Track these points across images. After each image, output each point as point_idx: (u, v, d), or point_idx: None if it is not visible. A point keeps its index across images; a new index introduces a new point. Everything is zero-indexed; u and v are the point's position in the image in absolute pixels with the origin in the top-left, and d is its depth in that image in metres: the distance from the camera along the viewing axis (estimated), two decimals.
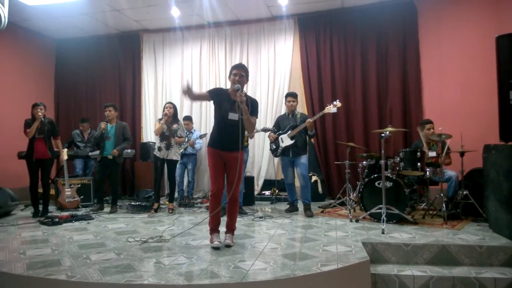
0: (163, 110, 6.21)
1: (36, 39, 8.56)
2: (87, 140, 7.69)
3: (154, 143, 6.85)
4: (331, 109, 5.74)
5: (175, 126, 6.19)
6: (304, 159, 5.88)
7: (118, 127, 6.47)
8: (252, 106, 4.09)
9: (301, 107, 7.55)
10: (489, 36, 4.59)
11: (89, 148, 7.49)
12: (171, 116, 6.17)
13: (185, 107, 8.25)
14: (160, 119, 6.23)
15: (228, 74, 4.27)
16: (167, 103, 6.34)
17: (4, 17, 6.19)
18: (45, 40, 8.80)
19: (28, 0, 6.66)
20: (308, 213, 5.71)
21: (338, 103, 5.73)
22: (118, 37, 8.69)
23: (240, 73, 4.10)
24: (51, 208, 6.50)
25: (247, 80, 4.22)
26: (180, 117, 7.57)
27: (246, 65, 4.29)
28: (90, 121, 8.12)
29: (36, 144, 5.90)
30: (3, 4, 6.22)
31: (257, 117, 4.25)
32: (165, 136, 6.12)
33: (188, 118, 7.59)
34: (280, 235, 4.57)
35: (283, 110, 7.40)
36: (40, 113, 5.83)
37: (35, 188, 5.99)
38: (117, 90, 8.76)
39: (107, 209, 6.45)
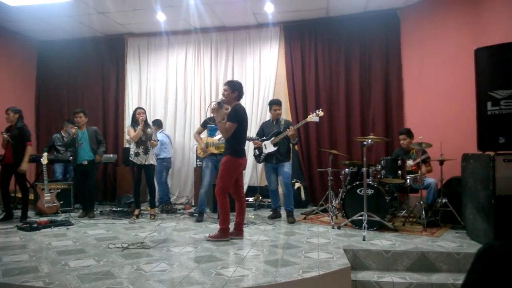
0: (134, 116, 6.18)
1: (18, 40, 8.41)
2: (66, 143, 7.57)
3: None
4: (313, 118, 5.79)
5: (149, 130, 6.16)
6: (287, 167, 5.90)
7: (90, 132, 6.43)
8: (230, 113, 4.63)
9: (285, 114, 7.60)
10: (469, 47, 4.69)
11: (70, 153, 7.39)
12: (144, 121, 6.14)
13: (169, 111, 8.24)
14: (133, 126, 6.17)
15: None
16: (137, 108, 6.32)
17: None
18: (27, 42, 8.65)
19: (11, 1, 6.57)
20: (291, 219, 5.74)
21: (320, 112, 5.79)
22: (103, 40, 8.61)
23: (224, 87, 4.76)
24: (30, 213, 6.40)
25: (233, 91, 4.69)
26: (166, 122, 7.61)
27: (240, 83, 4.81)
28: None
29: (6, 149, 5.96)
30: None
31: (233, 122, 4.54)
32: (142, 141, 6.08)
33: (155, 122, 7.55)
34: (262, 241, 4.58)
35: (268, 117, 7.42)
36: (5, 136, 5.87)
37: (6, 192, 5.97)
38: (100, 94, 8.66)
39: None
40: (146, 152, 6.05)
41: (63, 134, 7.68)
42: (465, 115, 5.64)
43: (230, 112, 4.65)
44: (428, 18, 6.72)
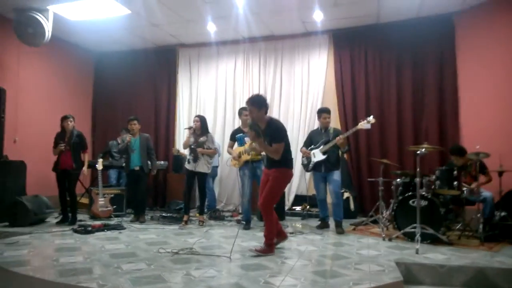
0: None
1: (76, 52, 8.89)
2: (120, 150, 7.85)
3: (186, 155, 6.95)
4: (364, 125, 5.66)
5: (202, 138, 6.25)
6: (336, 175, 5.81)
7: (142, 139, 6.64)
8: (272, 133, 4.39)
9: (335, 123, 7.46)
10: None
11: (123, 159, 7.65)
12: (199, 129, 6.25)
13: (218, 121, 8.37)
14: (189, 130, 6.36)
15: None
16: (195, 116, 6.47)
17: (48, 31, 6.53)
18: (85, 54, 9.14)
19: (71, 16, 6.96)
20: (339, 230, 5.62)
21: (372, 119, 5.64)
22: (155, 51, 8.92)
23: (249, 109, 4.52)
24: (85, 217, 6.68)
25: (260, 108, 4.41)
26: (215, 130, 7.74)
27: (260, 96, 4.56)
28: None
29: (62, 156, 6.14)
30: (47, 19, 6.57)
31: (280, 142, 4.35)
32: (193, 148, 6.19)
33: None
34: (310, 251, 4.51)
35: (316, 126, 7.34)
36: (62, 148, 6.06)
37: (63, 197, 6.23)
38: (152, 103, 8.95)
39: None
40: (195, 160, 6.15)
41: (119, 141, 7.98)
42: None
43: (272, 131, 4.39)
44: (485, 23, 6.41)
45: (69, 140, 6.16)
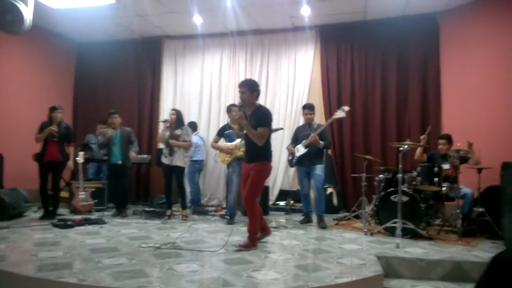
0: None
1: (58, 42, 8.69)
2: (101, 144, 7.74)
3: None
4: (339, 114, 5.72)
5: (177, 131, 6.21)
6: (319, 170, 5.83)
7: (123, 133, 6.56)
8: (258, 117, 4.34)
9: (320, 119, 7.54)
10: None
11: (103, 152, 7.55)
12: (174, 122, 6.21)
13: (203, 114, 8.33)
14: (166, 128, 6.30)
15: None
16: (171, 109, 6.44)
17: (29, 19, 6.35)
18: (67, 43, 8.93)
19: (53, 3, 6.79)
20: (322, 224, 5.67)
21: (346, 107, 5.71)
22: (140, 42, 8.78)
23: (240, 90, 4.43)
24: (65, 211, 6.58)
25: (252, 91, 4.41)
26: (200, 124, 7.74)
27: (254, 80, 4.58)
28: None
29: (49, 147, 5.99)
30: (26, 4, 6.37)
31: (266, 127, 4.32)
32: (168, 142, 6.16)
33: (191, 124, 7.59)
34: (293, 246, 4.54)
35: (302, 121, 7.38)
36: (54, 128, 5.92)
37: (44, 190, 6.07)
38: (136, 95, 8.84)
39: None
40: (171, 153, 6.11)
41: (97, 134, 7.85)
42: (505, 123, 5.45)
43: (258, 116, 4.36)
44: (469, 23, 6.51)
45: (59, 132, 6.02)
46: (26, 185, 6.68)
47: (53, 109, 6.05)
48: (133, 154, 6.55)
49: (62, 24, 8.04)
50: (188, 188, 7.45)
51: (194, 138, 7.32)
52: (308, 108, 6.03)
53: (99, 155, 7.54)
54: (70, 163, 6.22)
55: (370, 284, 3.36)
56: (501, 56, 5.88)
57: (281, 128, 6.46)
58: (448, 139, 5.83)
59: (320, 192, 5.83)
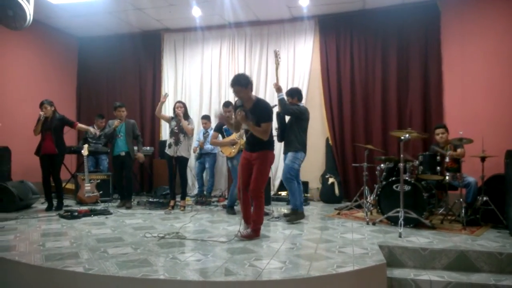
0: (174, 110, 6.29)
1: (59, 37, 8.72)
2: (98, 137, 7.76)
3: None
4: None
5: (184, 123, 6.21)
6: (288, 158, 5.41)
7: (128, 125, 6.62)
8: (260, 113, 4.29)
9: (320, 109, 7.59)
10: None
11: (100, 145, 7.57)
12: (182, 114, 6.20)
13: (204, 106, 8.32)
14: (172, 118, 6.32)
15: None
16: (177, 102, 6.42)
17: (29, 14, 6.36)
18: (68, 38, 8.96)
19: None
20: (288, 218, 5.37)
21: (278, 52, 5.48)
22: (140, 36, 8.80)
23: (234, 90, 4.32)
24: (71, 202, 6.65)
25: (246, 86, 4.30)
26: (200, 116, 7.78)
27: (243, 74, 4.45)
28: (110, 118, 8.22)
29: (45, 140, 6.06)
30: (28, 2, 6.39)
31: (268, 122, 4.30)
32: (174, 132, 6.17)
33: (206, 117, 7.64)
34: (295, 235, 4.57)
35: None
36: (41, 113, 5.97)
37: (47, 183, 6.16)
38: (137, 88, 8.86)
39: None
40: (177, 143, 6.13)
41: (95, 128, 7.86)
42: (509, 111, 5.44)
43: (259, 111, 4.31)
44: (470, 10, 6.48)
45: (49, 125, 6.04)
46: (34, 178, 6.74)
47: (40, 104, 6.08)
48: (139, 155, 6.69)
49: (63, 19, 8.04)
50: (203, 180, 7.66)
51: (211, 132, 7.38)
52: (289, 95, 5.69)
53: (104, 148, 7.56)
54: (91, 130, 6.59)
55: (372, 274, 3.38)
56: (503, 43, 5.86)
57: (275, 105, 6.13)
58: (445, 127, 5.82)
59: (288, 184, 5.40)
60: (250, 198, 4.44)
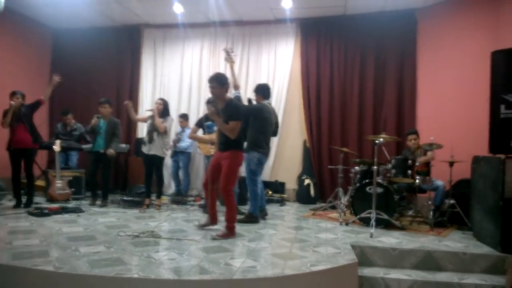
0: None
1: (33, 27, 8.42)
2: (68, 134, 7.59)
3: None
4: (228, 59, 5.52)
5: (160, 120, 6.17)
6: (247, 159, 5.31)
7: (110, 123, 6.49)
8: (230, 112, 4.47)
9: (298, 111, 7.72)
10: (486, 50, 4.67)
11: (72, 141, 7.41)
12: (159, 112, 6.15)
13: (182, 105, 8.29)
14: (150, 116, 6.27)
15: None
16: (159, 99, 6.39)
17: (1, 1, 6.16)
18: (42, 29, 8.67)
19: None
20: (240, 218, 5.10)
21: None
22: (119, 30, 8.64)
23: (211, 85, 4.52)
24: (41, 199, 6.49)
25: (222, 85, 4.50)
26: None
27: (224, 75, 4.63)
28: (85, 114, 8.10)
29: (16, 133, 5.83)
30: None
31: (236, 121, 4.45)
32: (149, 130, 6.15)
33: (183, 116, 7.62)
34: (271, 235, 4.63)
35: (281, 113, 7.56)
36: (12, 102, 5.75)
37: (17, 178, 5.96)
38: (114, 84, 8.69)
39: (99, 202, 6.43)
40: (150, 140, 6.09)
41: (66, 124, 7.72)
42: (477, 118, 5.63)
43: (230, 110, 4.48)
44: (446, 20, 6.66)
45: (19, 116, 5.83)
46: (0, 173, 6.53)
47: (12, 94, 5.86)
48: (111, 151, 6.36)
49: (37, 9, 7.79)
50: (180, 179, 7.62)
51: (189, 131, 7.35)
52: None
53: (77, 144, 7.42)
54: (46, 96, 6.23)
55: (344, 272, 3.48)
56: (474, 54, 6.05)
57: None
58: (417, 133, 6.03)
59: (249, 188, 5.36)
60: (218, 195, 4.63)
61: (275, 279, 3.08)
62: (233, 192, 4.54)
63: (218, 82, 4.48)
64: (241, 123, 4.51)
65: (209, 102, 6.08)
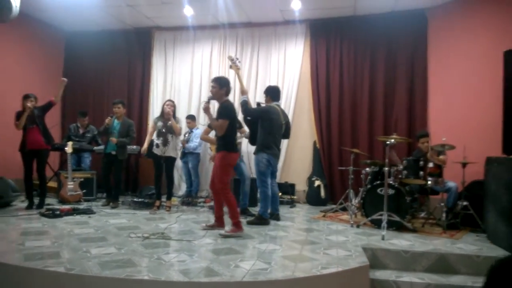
0: (162, 108, 6.25)
1: (46, 31, 8.54)
2: (81, 136, 7.62)
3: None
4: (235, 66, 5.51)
5: (170, 122, 6.17)
6: (255, 160, 5.51)
7: (124, 124, 6.54)
8: (220, 111, 4.75)
9: (308, 112, 7.68)
10: (499, 50, 4.62)
11: (84, 143, 7.46)
12: (171, 114, 6.15)
13: (193, 106, 8.31)
14: (158, 119, 6.25)
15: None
16: (167, 100, 6.40)
17: (16, 6, 6.24)
18: (55, 32, 8.78)
19: None
20: (249, 219, 5.36)
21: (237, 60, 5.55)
22: (130, 33, 8.70)
23: (212, 84, 4.84)
24: (53, 201, 6.55)
25: (222, 87, 4.78)
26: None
27: (228, 79, 4.90)
28: (97, 116, 8.15)
29: (29, 134, 5.91)
30: None
31: (224, 119, 4.67)
32: (162, 132, 6.14)
33: (190, 117, 7.64)
34: (281, 237, 4.61)
35: (291, 114, 7.52)
36: (29, 105, 5.82)
37: (29, 180, 6.02)
38: (125, 86, 8.76)
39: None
40: (165, 144, 6.11)
41: (78, 125, 7.77)
42: (491, 119, 5.56)
43: (219, 109, 4.76)
44: (456, 19, 6.59)
45: (33, 118, 5.91)
46: (13, 175, 6.60)
47: (25, 97, 5.94)
48: (113, 139, 6.36)
49: (51, 13, 7.90)
50: (191, 180, 7.62)
51: (198, 131, 7.42)
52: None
53: (89, 146, 7.47)
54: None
55: (356, 275, 3.44)
56: (486, 52, 5.97)
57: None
58: (428, 135, 5.96)
59: (259, 189, 5.45)
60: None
61: (286, 281, 3.07)
62: (228, 190, 4.71)
63: (219, 83, 4.78)
64: (229, 123, 4.67)
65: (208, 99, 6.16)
